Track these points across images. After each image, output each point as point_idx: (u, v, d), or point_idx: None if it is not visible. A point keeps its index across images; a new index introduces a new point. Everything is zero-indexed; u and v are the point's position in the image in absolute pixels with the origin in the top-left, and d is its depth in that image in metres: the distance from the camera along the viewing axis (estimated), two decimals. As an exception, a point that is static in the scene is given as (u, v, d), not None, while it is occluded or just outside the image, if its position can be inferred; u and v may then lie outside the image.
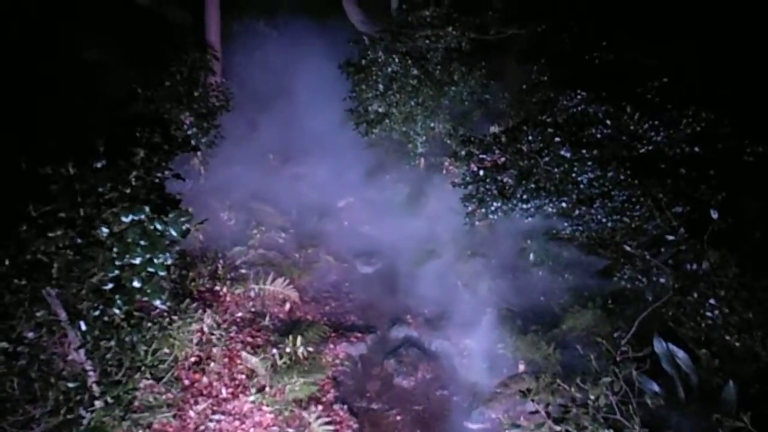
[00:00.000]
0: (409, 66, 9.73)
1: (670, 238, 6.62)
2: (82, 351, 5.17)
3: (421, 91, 9.78)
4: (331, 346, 8.32)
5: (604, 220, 7.44)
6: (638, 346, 5.69)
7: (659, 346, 6.15)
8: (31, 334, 4.78)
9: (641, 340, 6.03)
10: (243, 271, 9.00)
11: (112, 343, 5.30)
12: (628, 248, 7.11)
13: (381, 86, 9.83)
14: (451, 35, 9.83)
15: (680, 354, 6.08)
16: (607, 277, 7.97)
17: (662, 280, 6.66)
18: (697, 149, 7.58)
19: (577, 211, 7.65)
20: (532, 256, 9.15)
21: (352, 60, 10.18)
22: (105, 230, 4.63)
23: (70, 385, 5.06)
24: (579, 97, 8.14)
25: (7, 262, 4.40)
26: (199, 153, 9.52)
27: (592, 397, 4.52)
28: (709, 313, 6.03)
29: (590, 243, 8.30)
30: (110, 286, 4.76)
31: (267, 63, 11.99)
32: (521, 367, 7.89)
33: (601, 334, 7.23)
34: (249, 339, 8.01)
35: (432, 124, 10.22)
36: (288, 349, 7.75)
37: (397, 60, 9.75)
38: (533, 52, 9.83)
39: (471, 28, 9.98)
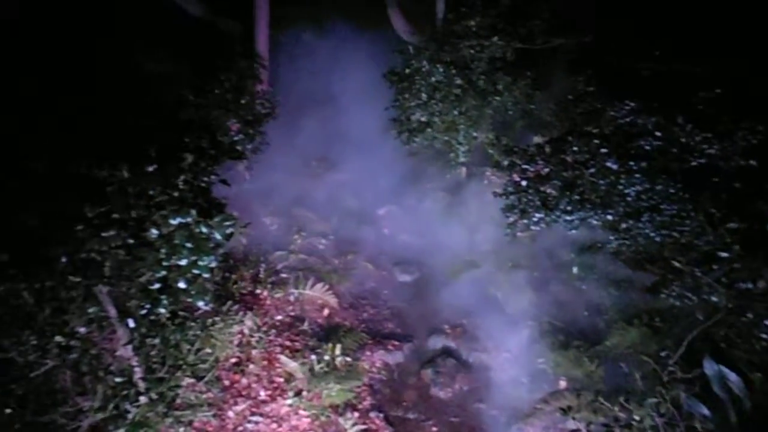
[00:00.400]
0: (453, 75, 9.71)
1: (724, 254, 6.33)
2: (129, 347, 5.38)
3: (465, 101, 9.74)
4: (368, 353, 8.34)
5: (652, 234, 7.18)
6: (687, 367, 5.48)
7: (710, 367, 5.87)
8: (83, 329, 4.99)
9: (690, 361, 5.80)
10: (283, 275, 9.15)
11: (157, 340, 5.48)
12: (677, 264, 6.83)
13: (424, 95, 9.85)
14: (496, 45, 9.76)
15: (732, 377, 5.79)
16: (654, 293, 7.70)
17: (714, 299, 6.37)
18: (753, 162, 7.23)
19: (623, 225, 7.41)
20: (575, 269, 8.93)
21: (396, 69, 10.26)
22: (154, 232, 4.80)
23: (118, 379, 5.25)
24: (627, 107, 7.91)
25: (64, 260, 4.62)
26: (244, 159, 9.75)
27: (636, 418, 4.37)
28: (764, 335, 5.73)
29: (637, 258, 8.04)
30: (157, 286, 4.92)
31: (312, 72, 12.24)
32: (562, 384, 7.69)
33: (647, 352, 6.99)
34: (288, 343, 8.13)
35: (474, 134, 10.15)
36: (326, 356, 7.82)
37: (441, 69, 9.75)
38: (580, 62, 9.65)
39: (517, 37, 9.89)
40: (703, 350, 6.03)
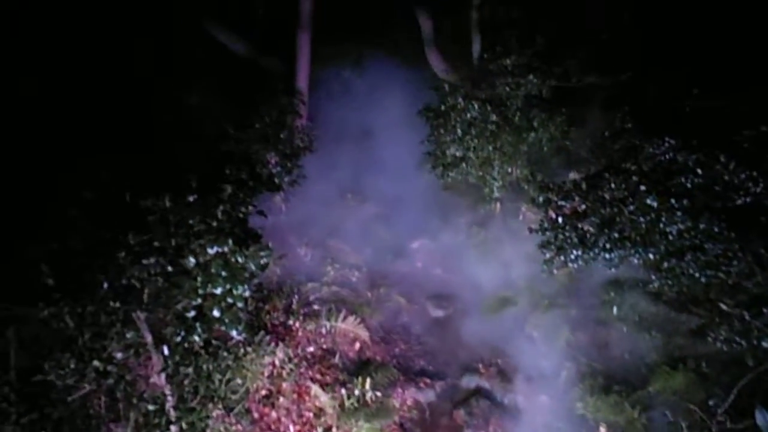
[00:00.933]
0: (488, 112, 9.79)
1: (775, 298, 6.02)
2: (163, 375, 5.44)
3: (500, 137, 9.77)
4: (399, 390, 8.19)
5: (696, 274, 6.89)
6: (737, 416, 5.17)
7: (762, 418, 5.53)
8: (120, 355, 5.09)
9: (741, 411, 5.48)
10: (316, 307, 9.16)
11: (190, 369, 5.52)
12: (724, 306, 6.53)
13: (459, 131, 9.94)
14: (531, 83, 9.83)
15: (788, 429, 5.42)
16: (700, 337, 7.36)
17: (765, 344, 6.03)
18: (802, 202, 6.93)
19: (665, 264, 7.16)
20: (615, 309, 8.64)
21: (432, 105, 10.41)
22: (192, 260, 4.91)
23: (150, 407, 5.30)
24: (667, 144, 7.76)
25: (105, 285, 4.76)
26: (281, 191, 9.95)
27: (682, 469, 4.11)
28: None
29: (681, 299, 7.72)
30: (193, 313, 5.00)
31: (350, 108, 12.52)
32: (602, 431, 7.35)
33: (693, 400, 6.65)
34: (318, 376, 8.07)
35: (509, 169, 10.13)
36: (356, 391, 7.71)
37: (476, 106, 9.84)
38: (617, 99, 9.57)
39: (552, 75, 9.93)
40: (755, 399, 5.68)
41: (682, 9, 9.29)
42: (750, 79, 8.14)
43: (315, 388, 7.81)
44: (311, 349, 8.48)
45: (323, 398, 7.62)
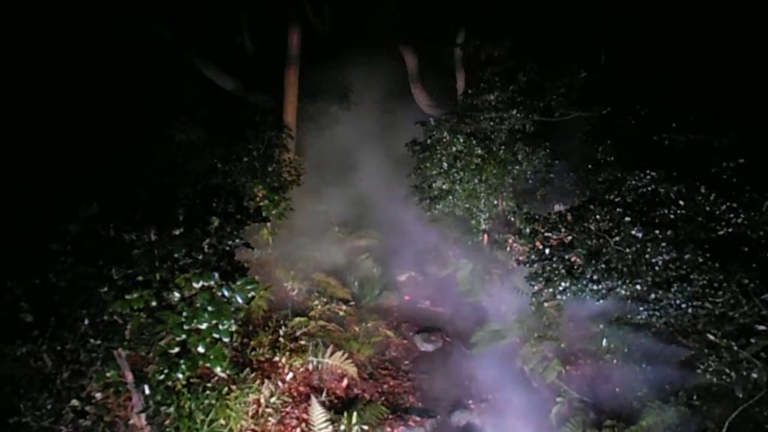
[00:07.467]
0: (473, 145, 9.95)
1: (761, 328, 6.04)
2: (143, 415, 5.25)
3: (485, 170, 9.90)
4: (388, 428, 7.99)
5: (683, 305, 6.92)
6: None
7: (756, 451, 5.46)
8: (99, 395, 4.92)
9: (734, 443, 5.41)
10: (302, 342, 8.97)
11: (172, 409, 5.35)
12: (711, 337, 6.53)
13: (445, 164, 10.06)
14: (515, 117, 10.04)
15: (782, 462, 5.36)
16: (690, 369, 7.32)
17: (754, 375, 6.02)
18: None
19: (653, 295, 7.18)
20: (605, 341, 8.60)
21: (418, 139, 10.55)
22: (177, 294, 4.82)
23: (129, 451, 5.10)
24: (648, 177, 7.90)
25: (86, 322, 4.64)
26: (268, 223, 9.91)
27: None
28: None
29: (669, 330, 7.72)
30: (177, 350, 4.87)
31: (337, 142, 12.63)
32: (594, 467, 7.21)
33: (686, 434, 6.56)
34: (305, 415, 7.84)
35: (495, 202, 10.23)
36: (342, 427, 7.50)
37: (461, 140, 10.01)
38: (598, 133, 9.78)
39: (535, 110, 10.15)
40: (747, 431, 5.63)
41: (658, 47, 9.61)
42: (726, 113, 8.37)
43: (301, 429, 7.58)
44: (298, 386, 8.27)
45: (310, 438, 7.40)
